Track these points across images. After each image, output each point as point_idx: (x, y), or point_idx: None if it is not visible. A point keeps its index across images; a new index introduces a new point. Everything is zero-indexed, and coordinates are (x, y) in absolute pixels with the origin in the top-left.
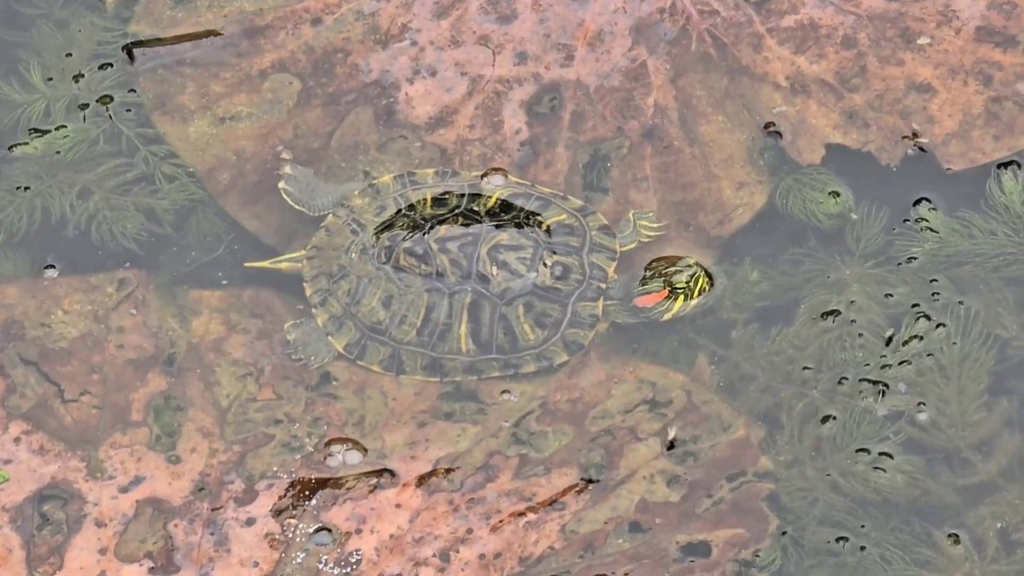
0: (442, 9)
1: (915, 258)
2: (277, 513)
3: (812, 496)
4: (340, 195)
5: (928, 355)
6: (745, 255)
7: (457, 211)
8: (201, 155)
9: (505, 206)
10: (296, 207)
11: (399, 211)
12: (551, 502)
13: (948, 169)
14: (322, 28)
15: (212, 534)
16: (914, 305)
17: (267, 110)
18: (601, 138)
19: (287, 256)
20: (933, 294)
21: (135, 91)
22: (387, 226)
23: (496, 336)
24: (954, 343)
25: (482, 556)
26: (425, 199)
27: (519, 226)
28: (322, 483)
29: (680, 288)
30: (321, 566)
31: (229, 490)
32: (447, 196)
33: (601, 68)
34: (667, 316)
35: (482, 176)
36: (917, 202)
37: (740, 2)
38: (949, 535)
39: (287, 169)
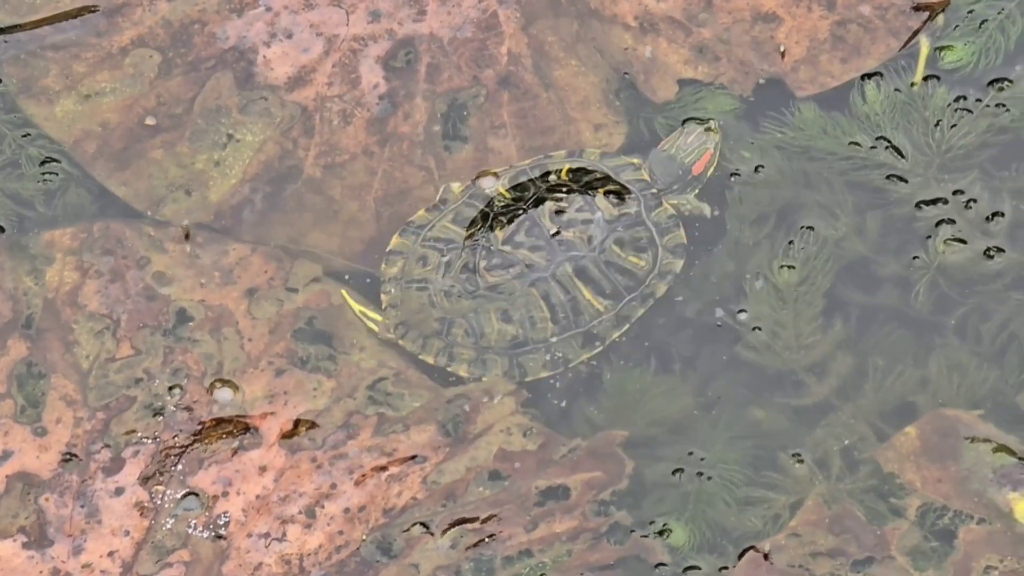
0: None
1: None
2: (144, 481)
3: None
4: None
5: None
6: None
7: (478, 223)
8: (68, 130)
9: (517, 187)
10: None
11: (439, 251)
12: (412, 456)
13: (799, 95)
14: (178, 2)
15: (83, 506)
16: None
17: (130, 84)
18: (458, 88)
19: (369, 312)
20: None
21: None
22: (447, 266)
23: (616, 282)
24: (791, 267)
25: (347, 510)
26: (445, 227)
27: (551, 189)
28: (187, 447)
29: (716, 142)
30: (191, 531)
31: (96, 460)
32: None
33: (453, 21)
34: (712, 169)
35: (473, 181)
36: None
37: None
38: (792, 455)
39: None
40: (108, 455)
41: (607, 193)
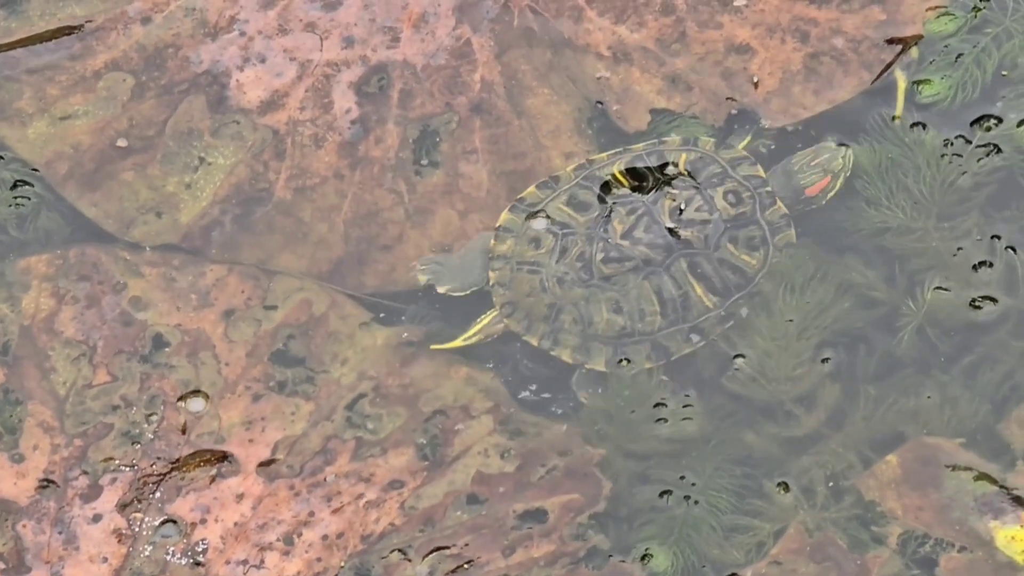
0: (268, 0)
1: None
2: (123, 508)
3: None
4: (480, 259)
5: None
6: None
7: (595, 211)
8: (40, 151)
9: (634, 174)
10: (454, 294)
11: (555, 234)
12: (390, 481)
13: (769, 126)
14: (152, 26)
15: (60, 532)
16: None
17: (102, 107)
18: (430, 114)
19: (478, 326)
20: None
21: None
22: (561, 251)
23: (727, 279)
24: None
25: (325, 537)
26: (559, 208)
27: (669, 183)
28: (165, 475)
29: (839, 170)
30: (169, 558)
31: (74, 487)
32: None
33: (427, 48)
34: (830, 196)
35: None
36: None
37: None
38: (778, 484)
39: (421, 273)
40: (86, 482)
41: (727, 192)
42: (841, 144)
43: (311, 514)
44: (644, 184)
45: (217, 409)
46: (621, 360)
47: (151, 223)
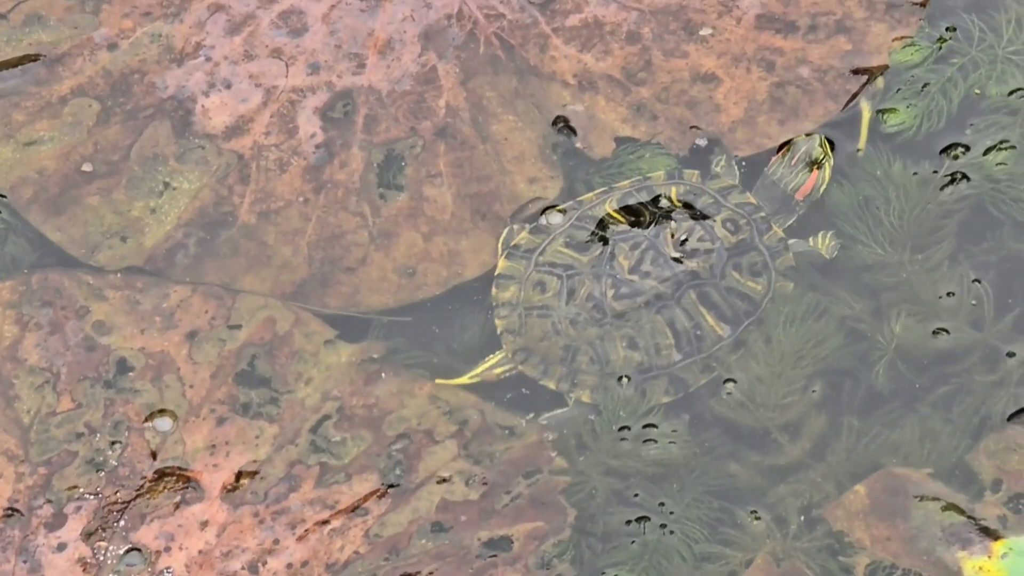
0: (234, 26)
1: None
2: (87, 536)
3: (590, 486)
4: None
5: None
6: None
7: (597, 249)
8: (5, 176)
9: (629, 210)
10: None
11: (560, 277)
12: (354, 508)
13: (735, 155)
14: (118, 52)
15: (25, 562)
16: None
17: (68, 132)
18: (395, 138)
19: (484, 366)
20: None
21: None
22: (569, 293)
23: (736, 307)
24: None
25: (290, 565)
26: (559, 251)
27: (667, 216)
28: (129, 503)
29: (821, 159)
30: None
31: (39, 515)
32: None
33: (392, 74)
34: (822, 189)
35: (541, 213)
36: None
37: (525, 4)
38: (750, 512)
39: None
40: (50, 510)
41: (725, 220)
42: (808, 134)
43: (276, 542)
44: (641, 219)
45: (181, 433)
46: (621, 378)
47: (116, 247)
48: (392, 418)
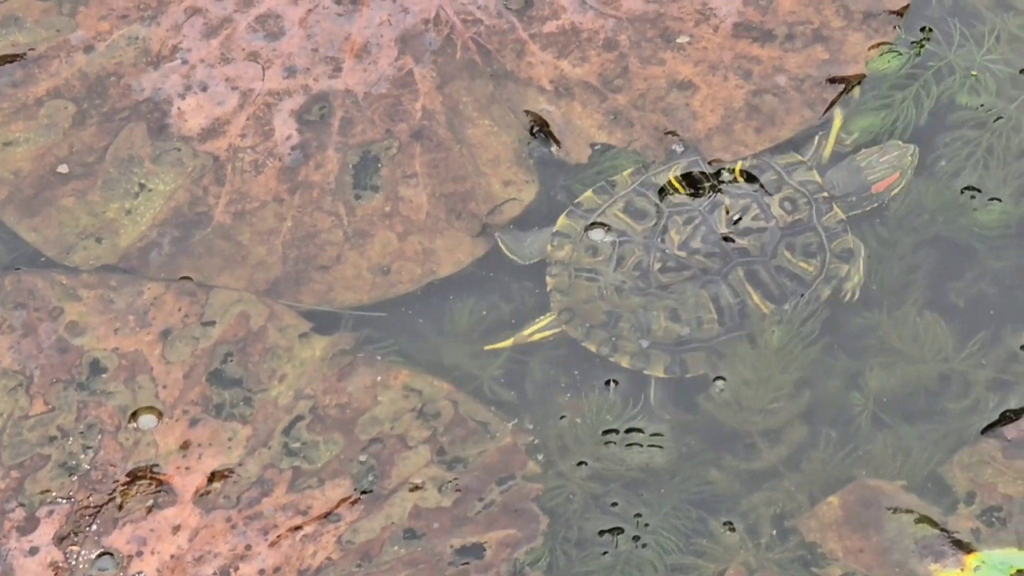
0: (211, 29)
1: None
2: (59, 540)
3: (568, 491)
4: (541, 244)
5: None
6: None
7: (651, 219)
8: None
9: (690, 181)
10: (509, 255)
11: (613, 242)
12: (326, 514)
13: (712, 162)
14: (95, 55)
15: None
16: None
17: (44, 134)
18: (371, 140)
19: (535, 327)
20: None
21: None
22: (619, 260)
23: (784, 286)
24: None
25: (262, 571)
26: (616, 215)
27: (725, 190)
28: (101, 507)
29: (907, 167)
30: None
31: (11, 519)
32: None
33: (369, 77)
34: (893, 193)
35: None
36: None
37: (503, 10)
38: (724, 523)
39: (499, 235)
40: (22, 514)
41: (784, 198)
42: (907, 143)
43: (248, 547)
44: (700, 191)
45: (154, 435)
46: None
47: (91, 248)
48: (365, 419)
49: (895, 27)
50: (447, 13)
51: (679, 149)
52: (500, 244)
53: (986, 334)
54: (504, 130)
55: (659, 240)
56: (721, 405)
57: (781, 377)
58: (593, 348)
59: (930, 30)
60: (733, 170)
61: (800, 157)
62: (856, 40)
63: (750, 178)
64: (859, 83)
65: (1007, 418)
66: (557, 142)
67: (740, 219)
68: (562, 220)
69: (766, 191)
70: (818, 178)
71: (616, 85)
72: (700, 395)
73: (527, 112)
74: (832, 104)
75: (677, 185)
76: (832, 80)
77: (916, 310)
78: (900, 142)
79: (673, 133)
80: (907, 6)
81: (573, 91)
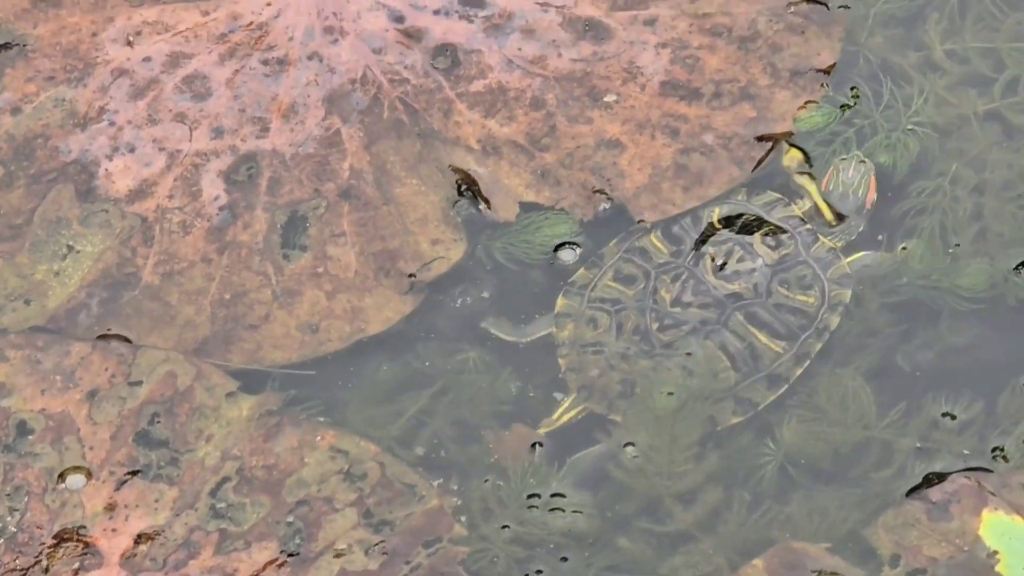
0: (138, 91)
1: None
2: None
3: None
4: (539, 324)
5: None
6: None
7: (640, 282)
8: None
9: (671, 239)
10: (505, 338)
11: (609, 312)
12: None
13: (640, 221)
14: (21, 116)
15: None
16: None
17: None
18: (299, 200)
19: (560, 410)
20: None
21: None
22: (618, 327)
23: (789, 322)
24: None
25: None
26: (608, 286)
27: (705, 239)
28: (27, 569)
29: (868, 162)
30: None
31: None
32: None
33: (296, 137)
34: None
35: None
36: None
37: (430, 69)
38: None
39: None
40: None
41: (764, 235)
42: (845, 157)
43: None
44: (681, 247)
45: (81, 496)
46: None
47: (19, 310)
48: (291, 482)
49: (822, 85)
50: (374, 73)
51: (606, 208)
52: (492, 331)
53: (907, 403)
54: (432, 189)
55: (651, 301)
56: (634, 471)
57: (686, 437)
58: (619, 419)
59: (856, 95)
60: (712, 219)
61: (777, 195)
62: (783, 98)
63: (728, 222)
64: (786, 140)
65: (930, 481)
66: (486, 201)
67: (725, 263)
68: (561, 301)
69: (746, 231)
70: (799, 212)
71: (544, 144)
72: (611, 463)
73: (455, 170)
74: (760, 162)
75: (659, 245)
76: (760, 138)
77: (852, 372)
78: (841, 155)
79: (601, 192)
80: (834, 65)
81: (501, 150)
